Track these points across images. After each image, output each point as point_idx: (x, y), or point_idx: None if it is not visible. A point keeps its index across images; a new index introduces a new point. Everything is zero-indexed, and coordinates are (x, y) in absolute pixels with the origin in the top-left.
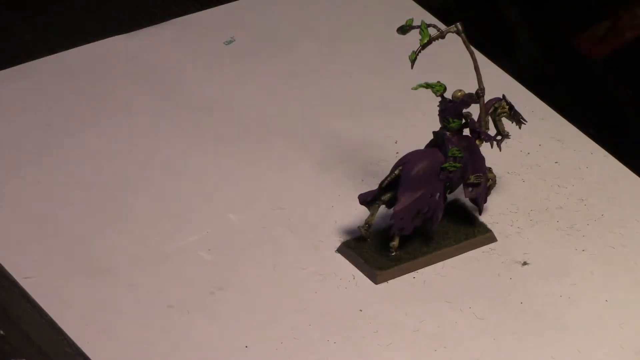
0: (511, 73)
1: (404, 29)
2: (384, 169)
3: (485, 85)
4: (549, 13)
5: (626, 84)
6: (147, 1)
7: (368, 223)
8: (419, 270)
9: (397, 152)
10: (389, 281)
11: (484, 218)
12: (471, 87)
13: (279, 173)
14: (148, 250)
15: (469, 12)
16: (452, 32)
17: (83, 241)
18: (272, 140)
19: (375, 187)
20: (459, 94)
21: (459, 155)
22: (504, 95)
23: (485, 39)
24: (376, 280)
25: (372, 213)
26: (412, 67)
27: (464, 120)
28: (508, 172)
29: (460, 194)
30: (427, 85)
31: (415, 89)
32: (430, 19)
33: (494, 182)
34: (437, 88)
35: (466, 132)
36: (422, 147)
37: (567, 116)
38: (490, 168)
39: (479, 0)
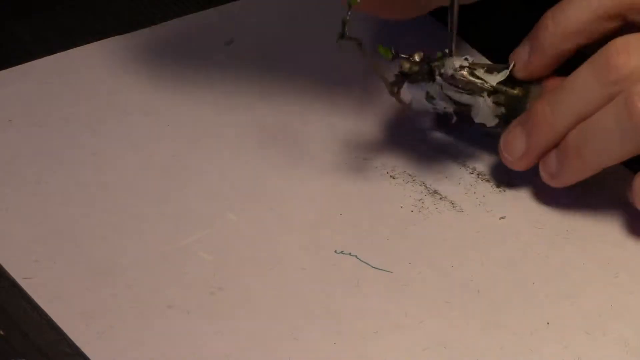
0: None
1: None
2: (385, 169)
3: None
4: None
5: None
6: (147, 1)
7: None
8: (420, 270)
9: (395, 154)
10: (389, 282)
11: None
12: None
13: (279, 173)
14: (148, 250)
15: (468, 13)
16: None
17: (83, 241)
18: (272, 140)
19: (374, 188)
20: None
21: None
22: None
23: (485, 40)
24: None
25: None
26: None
27: None
28: (507, 174)
29: None
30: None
31: None
32: (431, 19)
33: None
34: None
35: None
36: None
37: None
38: None
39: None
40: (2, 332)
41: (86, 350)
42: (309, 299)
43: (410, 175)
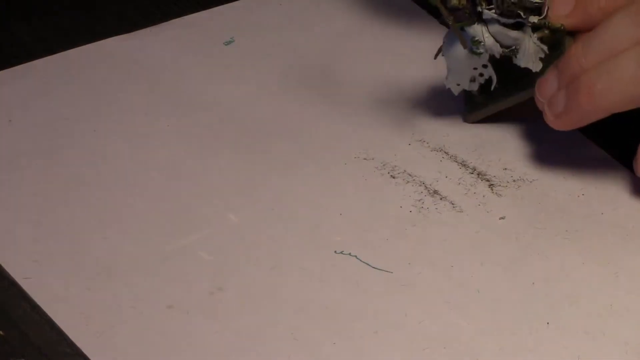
0: None
1: None
2: (385, 169)
3: None
4: None
5: None
6: (147, 1)
7: None
8: (420, 270)
9: (395, 154)
10: (389, 282)
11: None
12: None
13: (279, 173)
14: (148, 250)
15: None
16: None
17: (83, 241)
18: (272, 139)
19: (374, 188)
20: None
21: None
22: None
23: None
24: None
25: None
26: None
27: None
28: (505, 167)
29: None
30: None
31: None
32: (431, 19)
33: None
34: None
35: None
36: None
37: None
38: None
39: None
40: (2, 332)
41: (86, 350)
42: (309, 299)
43: (410, 175)
